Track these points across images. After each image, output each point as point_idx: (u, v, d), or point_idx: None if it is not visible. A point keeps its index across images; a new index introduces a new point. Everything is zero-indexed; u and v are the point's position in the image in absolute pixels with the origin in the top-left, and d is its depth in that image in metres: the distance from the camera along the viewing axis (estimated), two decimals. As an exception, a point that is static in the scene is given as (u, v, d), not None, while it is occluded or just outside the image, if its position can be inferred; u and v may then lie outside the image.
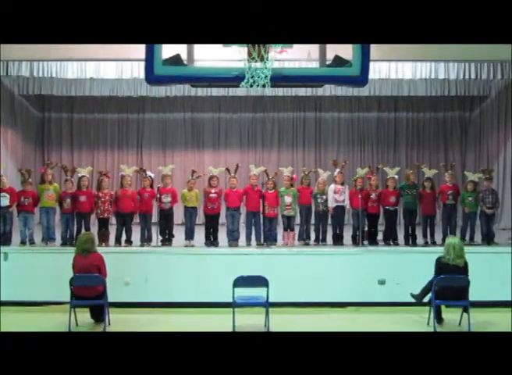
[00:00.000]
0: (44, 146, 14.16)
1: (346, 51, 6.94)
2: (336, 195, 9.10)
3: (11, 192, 8.75)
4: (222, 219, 9.19)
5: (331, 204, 9.07)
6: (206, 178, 9.33)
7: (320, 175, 9.36)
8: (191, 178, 9.11)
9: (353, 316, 7.78)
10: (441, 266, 6.84)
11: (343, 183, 9.24)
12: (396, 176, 9.31)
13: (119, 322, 7.13)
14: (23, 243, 8.71)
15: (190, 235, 8.93)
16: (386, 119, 14.36)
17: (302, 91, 12.36)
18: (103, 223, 8.92)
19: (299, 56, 7.98)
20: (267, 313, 6.73)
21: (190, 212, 9.00)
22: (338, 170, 9.33)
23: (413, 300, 7.25)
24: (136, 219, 9.17)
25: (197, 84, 8.98)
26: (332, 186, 9.20)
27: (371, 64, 7.27)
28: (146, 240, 8.92)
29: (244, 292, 6.66)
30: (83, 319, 6.99)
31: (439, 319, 6.98)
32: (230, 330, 6.53)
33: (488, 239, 8.95)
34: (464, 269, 6.83)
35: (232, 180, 9.10)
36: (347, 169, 10.47)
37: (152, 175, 9.39)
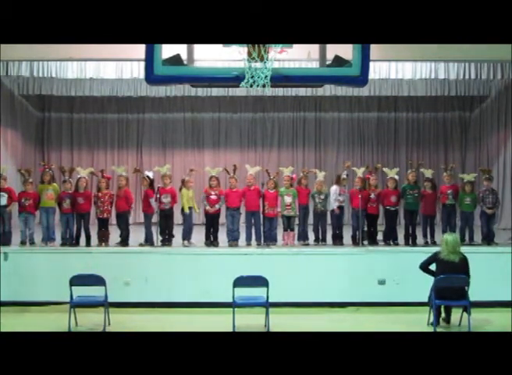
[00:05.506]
0: (44, 146, 14.11)
1: (346, 51, 6.93)
2: (340, 197, 9.13)
3: (9, 192, 8.75)
4: (222, 219, 9.19)
5: (334, 205, 9.09)
6: (206, 179, 9.30)
7: (318, 175, 9.37)
8: (187, 177, 9.09)
9: (353, 316, 7.78)
10: (436, 258, 6.88)
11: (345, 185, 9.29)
12: (397, 177, 9.31)
13: (119, 322, 7.13)
14: (23, 243, 8.71)
15: (187, 236, 8.91)
16: (386, 119, 14.32)
17: (302, 91, 12.33)
18: (103, 223, 8.93)
19: (299, 56, 7.98)
20: (267, 313, 6.73)
21: (190, 212, 8.98)
22: (345, 172, 9.36)
23: (413, 300, 7.26)
24: (137, 220, 9.17)
25: (197, 84, 8.97)
26: (335, 187, 9.21)
27: (371, 64, 7.27)
28: (146, 240, 8.91)
29: (244, 292, 6.67)
30: (83, 319, 6.99)
31: (447, 318, 7.02)
32: (230, 330, 6.53)
33: (489, 239, 8.95)
34: (460, 265, 6.75)
35: (231, 181, 9.09)
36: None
37: (150, 174, 9.35)
